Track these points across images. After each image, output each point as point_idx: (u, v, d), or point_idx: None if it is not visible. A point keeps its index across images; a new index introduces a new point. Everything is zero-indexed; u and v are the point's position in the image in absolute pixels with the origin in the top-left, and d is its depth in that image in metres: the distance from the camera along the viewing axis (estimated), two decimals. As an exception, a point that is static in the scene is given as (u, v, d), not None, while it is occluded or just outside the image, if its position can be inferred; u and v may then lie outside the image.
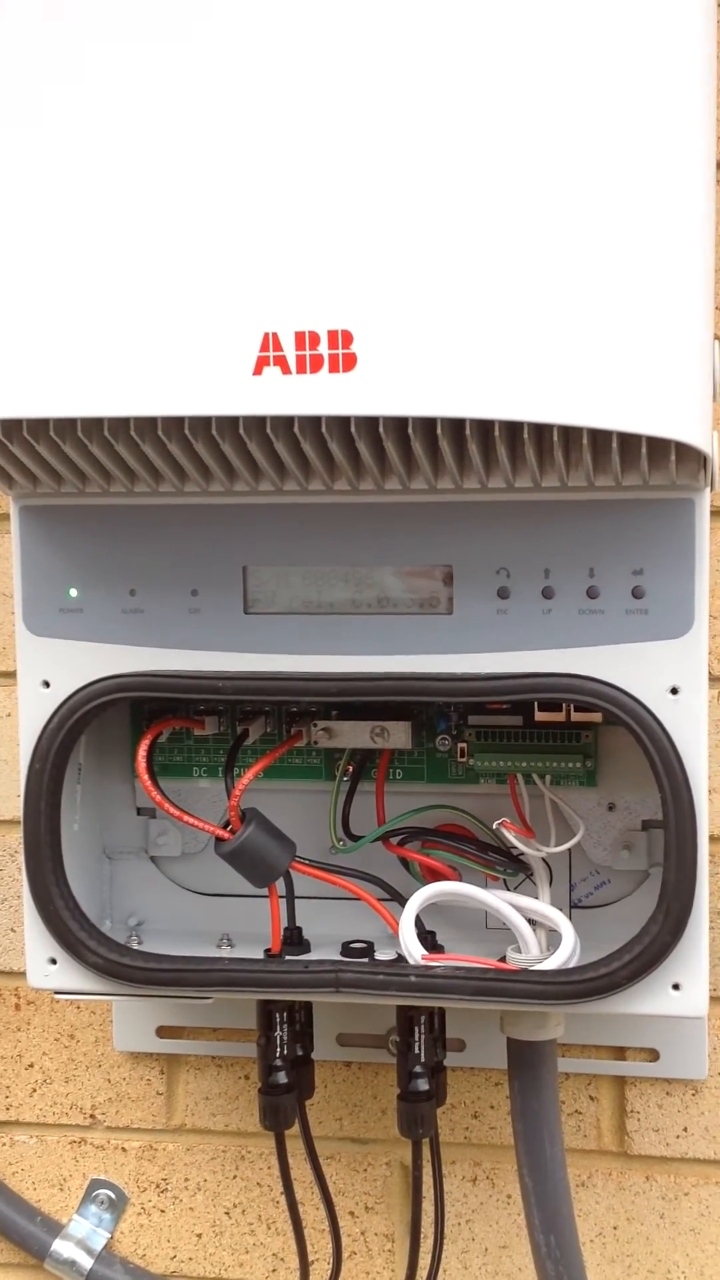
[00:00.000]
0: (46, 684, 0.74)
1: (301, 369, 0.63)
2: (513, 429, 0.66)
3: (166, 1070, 0.94)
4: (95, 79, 0.64)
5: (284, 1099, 0.79)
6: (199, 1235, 0.95)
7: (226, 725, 0.79)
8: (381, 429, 0.65)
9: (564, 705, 0.72)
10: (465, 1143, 0.91)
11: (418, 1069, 0.77)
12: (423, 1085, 0.77)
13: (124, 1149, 0.95)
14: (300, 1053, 0.80)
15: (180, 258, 0.64)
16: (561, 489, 0.68)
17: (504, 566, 0.70)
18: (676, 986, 0.70)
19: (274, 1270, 0.94)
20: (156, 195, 0.64)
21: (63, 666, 0.74)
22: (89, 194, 0.65)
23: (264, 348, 0.63)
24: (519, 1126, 0.77)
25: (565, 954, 0.72)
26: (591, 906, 0.78)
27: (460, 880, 0.75)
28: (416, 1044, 0.77)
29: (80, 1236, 0.94)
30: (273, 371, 0.63)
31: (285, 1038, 0.79)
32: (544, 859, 0.75)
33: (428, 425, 0.65)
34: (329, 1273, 0.85)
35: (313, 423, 0.65)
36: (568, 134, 0.61)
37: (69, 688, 0.74)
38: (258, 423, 0.66)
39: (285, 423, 0.66)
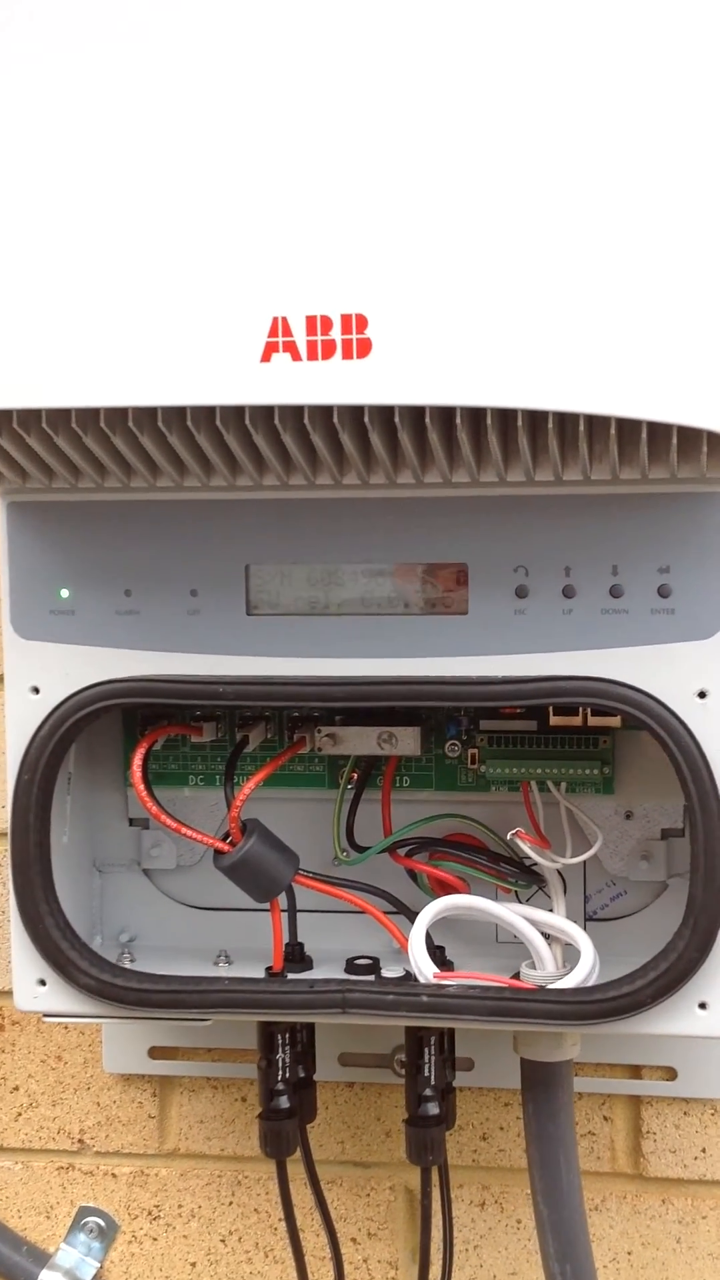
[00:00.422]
0: (36, 690, 0.73)
1: (313, 355, 0.62)
2: (535, 419, 0.65)
3: (159, 1092, 0.94)
4: (99, 61, 0.63)
5: (286, 1124, 0.79)
6: (193, 1264, 0.94)
7: (225, 731, 0.78)
8: (397, 419, 0.64)
9: (580, 709, 0.72)
10: (473, 1165, 0.90)
11: (428, 1092, 0.77)
12: (433, 1109, 0.77)
13: (114, 1175, 0.95)
14: (302, 1075, 0.79)
15: (182, 238, 0.63)
16: (584, 482, 0.68)
17: (522, 564, 0.69)
18: (703, 1005, 0.69)
19: (272, 1299, 0.93)
20: (156, 169, 0.63)
21: (53, 672, 0.73)
22: (85, 170, 0.64)
23: (273, 333, 0.62)
24: (534, 1152, 0.76)
25: (584, 971, 0.71)
26: (608, 919, 0.77)
27: (470, 892, 0.74)
28: (426, 1066, 0.77)
29: (68, 1266, 0.93)
30: (282, 358, 0.62)
31: (287, 1060, 0.78)
32: (558, 870, 0.74)
33: (445, 415, 0.64)
34: (331, 1303, 0.84)
35: (323, 413, 0.65)
36: (604, 108, 0.60)
37: (60, 694, 0.72)
38: (265, 413, 0.65)
39: (294, 413, 0.65)
